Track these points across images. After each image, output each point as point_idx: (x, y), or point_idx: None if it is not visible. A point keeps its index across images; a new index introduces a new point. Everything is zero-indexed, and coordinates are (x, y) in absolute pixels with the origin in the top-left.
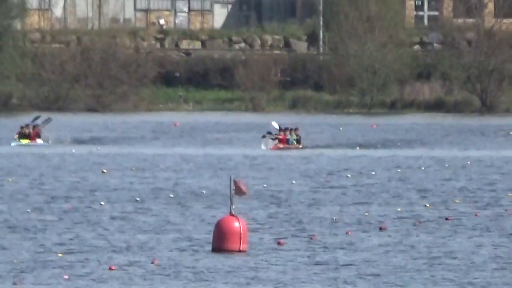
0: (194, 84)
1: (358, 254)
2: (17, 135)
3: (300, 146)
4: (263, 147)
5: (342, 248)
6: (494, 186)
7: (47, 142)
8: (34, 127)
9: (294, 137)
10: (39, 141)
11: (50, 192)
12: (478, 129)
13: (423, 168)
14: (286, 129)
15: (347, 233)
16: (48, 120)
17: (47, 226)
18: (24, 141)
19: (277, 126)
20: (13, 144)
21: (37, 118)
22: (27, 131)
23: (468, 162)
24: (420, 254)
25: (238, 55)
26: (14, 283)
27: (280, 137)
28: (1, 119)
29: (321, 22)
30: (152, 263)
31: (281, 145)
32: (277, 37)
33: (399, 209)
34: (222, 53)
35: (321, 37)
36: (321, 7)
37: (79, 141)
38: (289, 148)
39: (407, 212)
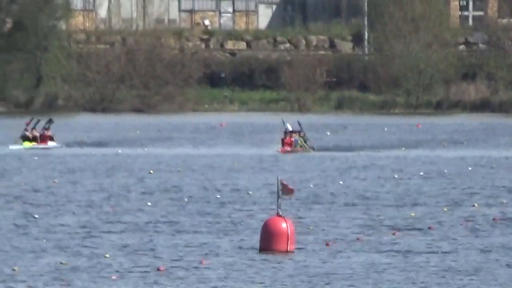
0: (240, 84)
1: (401, 257)
2: (20, 138)
3: (307, 148)
4: (275, 149)
5: (389, 251)
6: None
7: (60, 145)
8: (46, 130)
9: (301, 139)
10: (51, 143)
11: (88, 193)
12: None
13: (470, 168)
14: (292, 131)
15: (393, 234)
16: (50, 121)
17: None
18: (28, 144)
19: (290, 128)
20: (13, 147)
21: (38, 121)
22: (31, 135)
23: None
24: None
25: (283, 55)
26: None
27: (286, 140)
28: None
29: (366, 22)
30: (200, 263)
31: (288, 148)
32: (322, 37)
33: (445, 209)
34: (267, 53)
35: (366, 37)
36: (366, 7)
37: (127, 143)
38: (297, 151)
39: (455, 212)
